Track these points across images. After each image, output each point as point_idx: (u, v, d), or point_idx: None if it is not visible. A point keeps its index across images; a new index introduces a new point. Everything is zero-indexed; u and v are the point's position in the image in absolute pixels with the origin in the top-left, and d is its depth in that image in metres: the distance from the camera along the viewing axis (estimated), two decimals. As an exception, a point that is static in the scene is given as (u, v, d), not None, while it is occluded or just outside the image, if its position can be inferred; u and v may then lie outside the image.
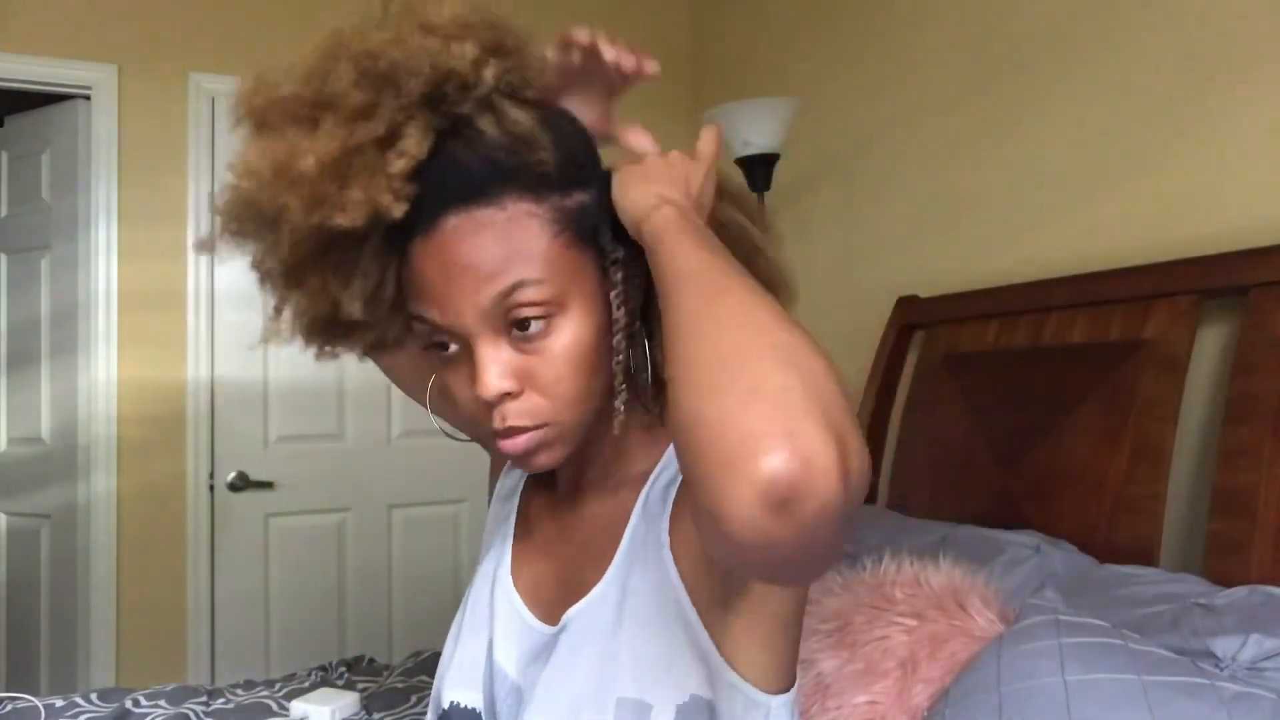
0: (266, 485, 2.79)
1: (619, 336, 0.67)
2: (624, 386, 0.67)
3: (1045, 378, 1.74)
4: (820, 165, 2.54)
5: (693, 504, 0.48)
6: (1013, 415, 1.79)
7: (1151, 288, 1.59)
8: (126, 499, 2.68)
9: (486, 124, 0.65)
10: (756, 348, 0.48)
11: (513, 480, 0.89)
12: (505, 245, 0.64)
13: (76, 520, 2.68)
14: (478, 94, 0.64)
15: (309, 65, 0.66)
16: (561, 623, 0.72)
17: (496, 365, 0.65)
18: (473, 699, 0.77)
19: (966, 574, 1.35)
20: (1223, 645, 1.11)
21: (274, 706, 1.57)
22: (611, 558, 0.71)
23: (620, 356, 0.67)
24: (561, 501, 0.80)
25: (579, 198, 0.67)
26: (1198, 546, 1.46)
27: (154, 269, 2.72)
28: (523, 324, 0.65)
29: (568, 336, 0.65)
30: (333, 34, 0.66)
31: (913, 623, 1.28)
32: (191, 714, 1.56)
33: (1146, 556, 1.47)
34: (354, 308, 0.69)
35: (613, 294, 0.67)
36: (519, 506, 0.86)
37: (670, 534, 0.69)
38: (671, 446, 0.73)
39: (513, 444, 0.67)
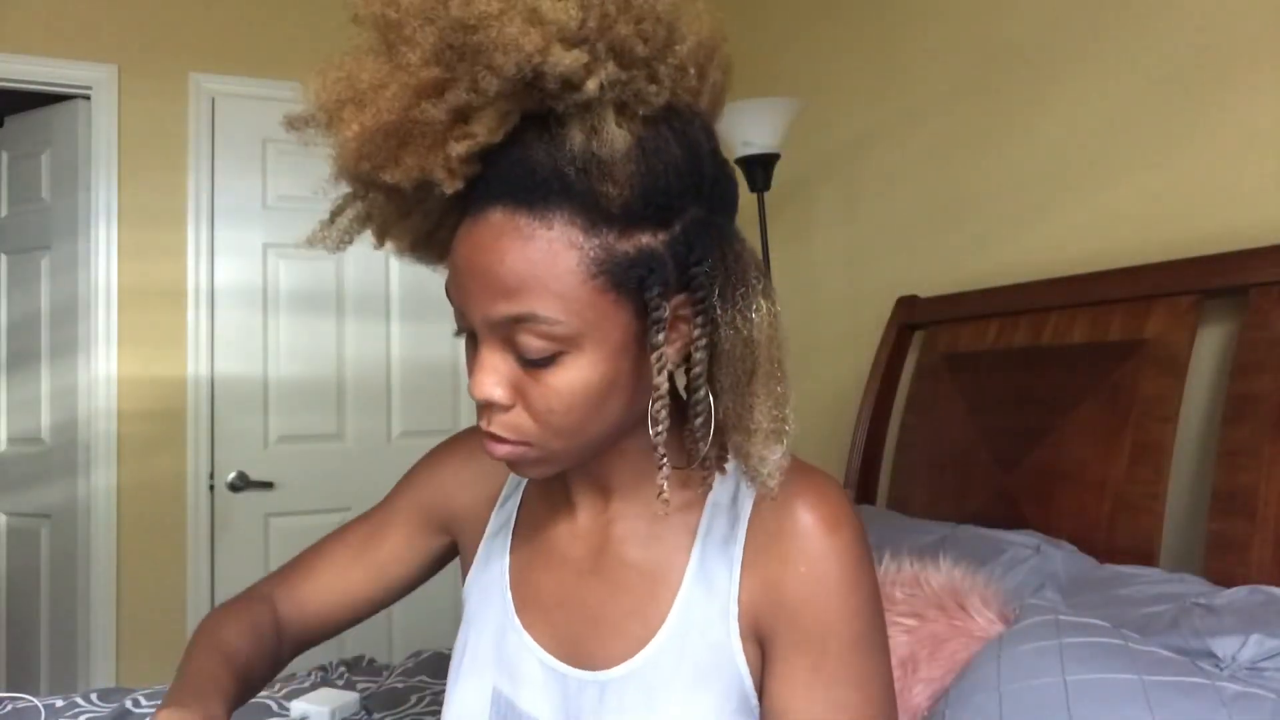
0: (266, 485, 2.79)
1: (658, 405, 0.61)
2: (664, 459, 0.62)
3: (1045, 378, 1.74)
4: (820, 165, 2.54)
5: None
6: (1013, 415, 1.79)
7: (1151, 288, 1.59)
8: (127, 499, 2.68)
9: (575, 131, 0.59)
10: None
11: (495, 526, 0.83)
12: (533, 269, 0.59)
13: (76, 520, 2.69)
14: (579, 98, 0.57)
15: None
16: (618, 671, 0.70)
17: (492, 375, 0.62)
18: None
19: (966, 574, 1.35)
20: (1223, 645, 1.11)
21: (274, 706, 1.57)
22: (664, 609, 0.69)
23: (660, 429, 0.61)
24: (585, 539, 0.75)
25: (641, 240, 0.60)
26: (1198, 546, 1.46)
27: (154, 268, 2.72)
28: (530, 350, 0.61)
29: (572, 376, 0.61)
30: None
31: (913, 623, 1.28)
32: (191, 714, 1.56)
33: (1146, 556, 1.47)
34: (402, 243, 0.67)
35: (654, 356, 0.61)
36: (512, 546, 0.80)
37: (740, 601, 0.68)
38: (715, 491, 0.71)
39: (495, 448, 0.65)
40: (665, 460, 0.62)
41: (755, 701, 0.68)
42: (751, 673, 0.68)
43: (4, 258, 2.91)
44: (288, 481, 2.83)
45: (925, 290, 2.17)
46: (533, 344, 0.60)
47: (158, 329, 2.72)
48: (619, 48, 0.58)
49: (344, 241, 0.69)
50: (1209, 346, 1.55)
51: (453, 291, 0.64)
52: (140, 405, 2.70)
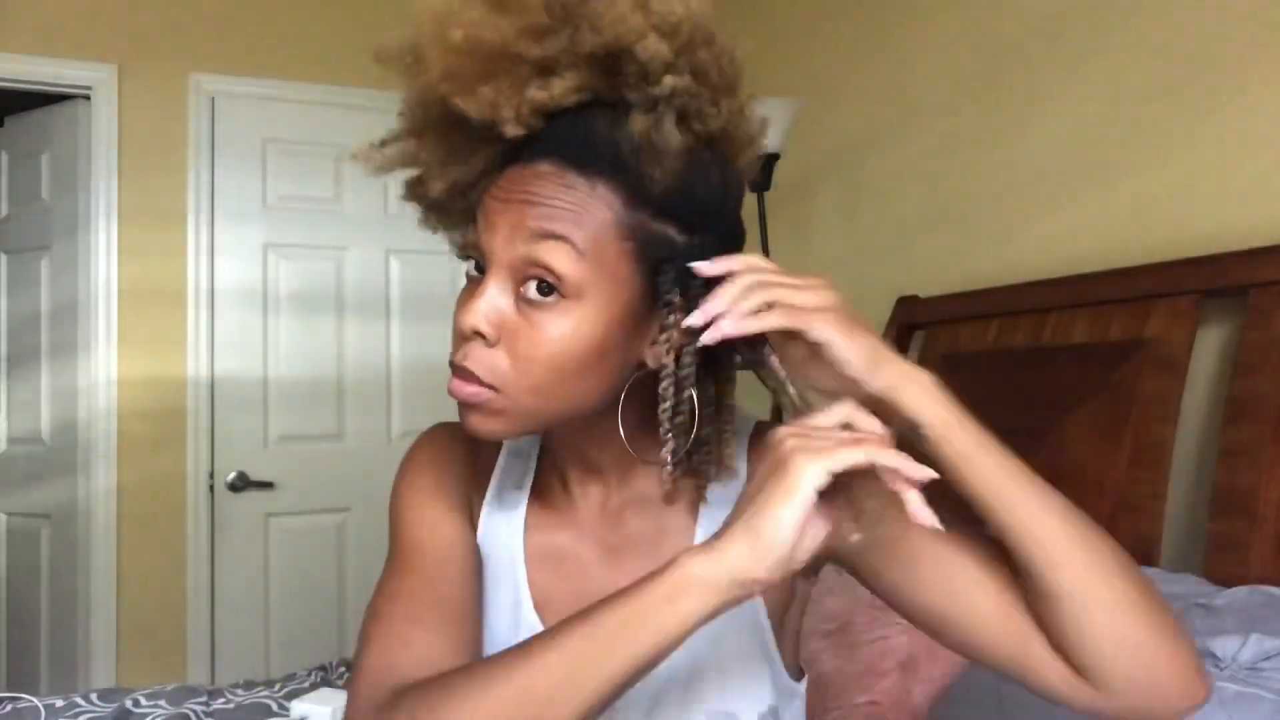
0: (266, 485, 2.79)
1: (666, 383, 0.65)
2: (669, 435, 0.66)
3: (1045, 378, 1.74)
4: (820, 165, 2.54)
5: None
6: (1013, 415, 1.79)
7: (1151, 288, 1.59)
8: (127, 499, 2.68)
9: (638, 120, 0.63)
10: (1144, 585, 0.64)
11: (499, 541, 0.80)
12: (571, 207, 0.63)
13: (76, 520, 2.69)
14: (652, 92, 0.62)
15: None
16: None
17: (489, 305, 0.64)
18: None
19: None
20: (1223, 645, 1.11)
21: (274, 706, 1.57)
22: None
23: (668, 405, 0.65)
24: (587, 523, 0.77)
25: (668, 230, 0.65)
26: (1198, 546, 1.45)
27: (154, 268, 2.72)
28: (535, 286, 0.63)
29: (565, 326, 0.63)
30: None
31: (913, 623, 1.28)
32: (191, 714, 1.56)
33: (1146, 556, 1.47)
34: (436, 187, 0.70)
35: (663, 336, 0.65)
36: (526, 556, 0.78)
37: None
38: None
39: (460, 386, 0.65)
40: (670, 436, 0.66)
41: (769, 636, 0.74)
42: (770, 617, 0.74)
43: (4, 258, 2.91)
44: (288, 481, 2.83)
45: (925, 290, 2.17)
46: (545, 275, 0.62)
47: (158, 329, 2.72)
48: (696, 67, 0.63)
49: (382, 169, 0.72)
50: (1209, 346, 1.55)
51: (482, 224, 0.66)
52: (140, 405, 2.70)
